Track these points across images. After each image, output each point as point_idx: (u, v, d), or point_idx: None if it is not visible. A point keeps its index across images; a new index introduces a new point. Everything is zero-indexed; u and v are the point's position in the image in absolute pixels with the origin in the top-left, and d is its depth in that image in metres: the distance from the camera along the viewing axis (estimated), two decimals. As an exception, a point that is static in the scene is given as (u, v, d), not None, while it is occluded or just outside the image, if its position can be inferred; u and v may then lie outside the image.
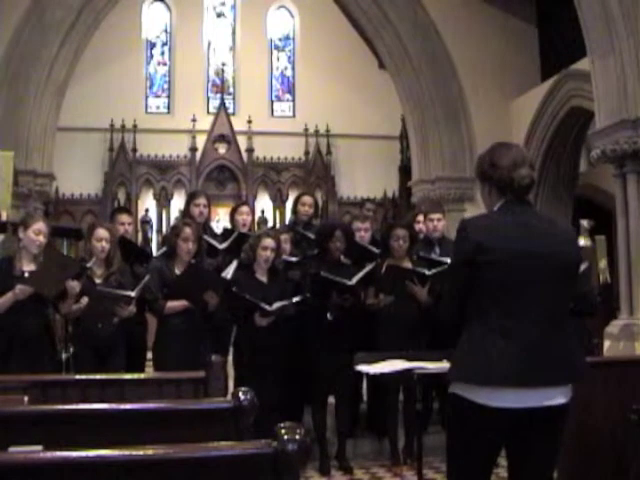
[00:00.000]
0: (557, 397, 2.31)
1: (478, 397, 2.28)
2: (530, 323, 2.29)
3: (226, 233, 5.43)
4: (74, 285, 4.23)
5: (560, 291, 2.36)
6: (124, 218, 5.29)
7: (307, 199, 5.93)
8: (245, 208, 5.81)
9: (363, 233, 5.34)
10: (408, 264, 4.94)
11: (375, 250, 5.22)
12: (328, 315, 4.70)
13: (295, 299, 4.57)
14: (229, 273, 4.59)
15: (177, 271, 4.62)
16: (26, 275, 4.20)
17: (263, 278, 4.71)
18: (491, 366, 2.26)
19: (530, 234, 2.34)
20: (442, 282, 2.54)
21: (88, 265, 4.41)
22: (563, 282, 2.37)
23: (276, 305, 4.49)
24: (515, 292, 2.30)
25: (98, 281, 4.48)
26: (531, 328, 2.28)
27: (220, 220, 11.35)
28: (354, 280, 4.66)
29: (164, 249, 4.94)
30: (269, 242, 4.68)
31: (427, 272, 4.77)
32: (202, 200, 5.35)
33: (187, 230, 4.63)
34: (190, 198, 5.55)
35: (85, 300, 4.34)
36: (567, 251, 2.40)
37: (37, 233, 4.22)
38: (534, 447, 2.36)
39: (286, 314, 4.56)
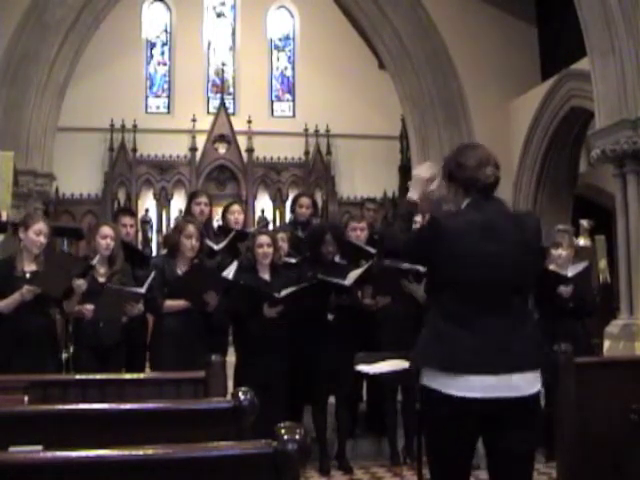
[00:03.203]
0: (524, 387, 2.35)
1: (445, 387, 2.33)
2: (491, 314, 2.37)
3: (224, 231, 5.41)
4: (80, 283, 4.24)
5: (520, 288, 2.46)
6: (127, 220, 5.26)
7: (304, 201, 5.92)
8: (236, 207, 5.74)
9: (359, 233, 5.32)
10: (406, 265, 4.94)
11: (371, 250, 5.21)
12: (328, 316, 4.71)
13: (303, 285, 4.58)
14: (230, 273, 4.59)
15: (179, 270, 4.60)
16: (27, 275, 4.20)
17: (266, 276, 4.74)
18: (454, 353, 2.32)
19: (493, 233, 2.40)
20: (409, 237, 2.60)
21: (93, 263, 4.40)
22: (523, 280, 2.47)
23: (285, 292, 4.50)
24: (476, 288, 2.38)
25: (101, 280, 4.47)
26: (492, 319, 2.36)
27: (220, 220, 11.35)
28: (350, 280, 4.67)
29: (166, 251, 4.92)
30: (264, 239, 4.72)
31: (422, 269, 4.76)
32: (203, 199, 5.35)
33: (190, 227, 4.63)
34: (191, 197, 5.56)
35: (90, 307, 4.34)
36: (527, 249, 2.47)
37: (38, 233, 4.22)
38: (507, 441, 2.37)
39: (289, 306, 4.56)
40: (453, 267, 2.39)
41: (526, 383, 2.35)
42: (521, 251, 2.44)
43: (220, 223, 5.90)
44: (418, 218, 5.85)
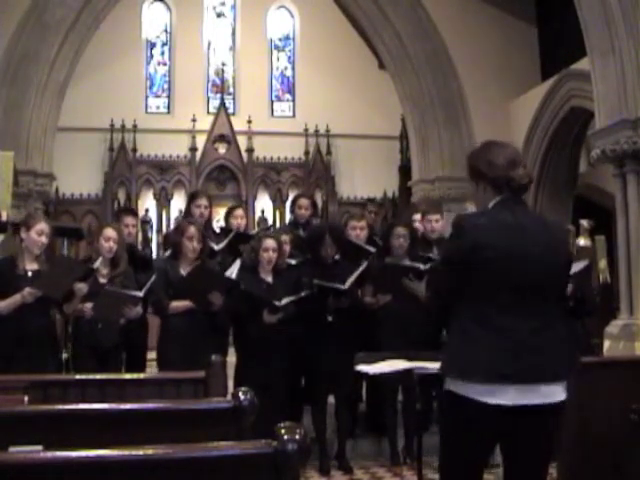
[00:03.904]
0: (550, 396, 2.31)
1: (470, 392, 2.28)
2: (521, 321, 2.30)
3: (225, 232, 5.41)
4: (81, 287, 4.24)
5: (551, 290, 2.39)
6: (129, 220, 5.26)
7: (303, 202, 5.92)
8: (239, 212, 5.73)
9: (359, 232, 5.33)
10: (406, 263, 4.94)
11: (370, 248, 5.21)
12: (327, 317, 4.71)
13: (303, 293, 4.58)
14: (233, 273, 4.58)
15: (182, 271, 4.59)
16: (29, 274, 4.20)
17: (268, 278, 4.73)
18: (481, 363, 2.27)
19: (525, 234, 2.35)
20: (431, 274, 2.52)
21: (95, 266, 4.40)
22: (554, 282, 2.40)
23: (285, 300, 4.50)
24: (508, 291, 2.31)
25: (103, 281, 4.47)
26: (522, 325, 2.30)
27: (220, 220, 11.34)
28: (347, 284, 4.67)
29: (169, 252, 4.90)
30: (270, 243, 4.70)
31: (422, 267, 4.76)
32: (203, 201, 5.33)
33: (192, 229, 4.62)
34: (191, 199, 5.53)
35: (89, 306, 4.33)
36: (558, 252, 2.42)
37: (39, 233, 4.23)
38: (527, 446, 2.35)
39: (289, 313, 4.57)
40: (485, 269, 2.31)
41: (553, 392, 2.31)
42: (553, 254, 2.38)
43: (221, 224, 5.91)
44: (417, 216, 5.90)
